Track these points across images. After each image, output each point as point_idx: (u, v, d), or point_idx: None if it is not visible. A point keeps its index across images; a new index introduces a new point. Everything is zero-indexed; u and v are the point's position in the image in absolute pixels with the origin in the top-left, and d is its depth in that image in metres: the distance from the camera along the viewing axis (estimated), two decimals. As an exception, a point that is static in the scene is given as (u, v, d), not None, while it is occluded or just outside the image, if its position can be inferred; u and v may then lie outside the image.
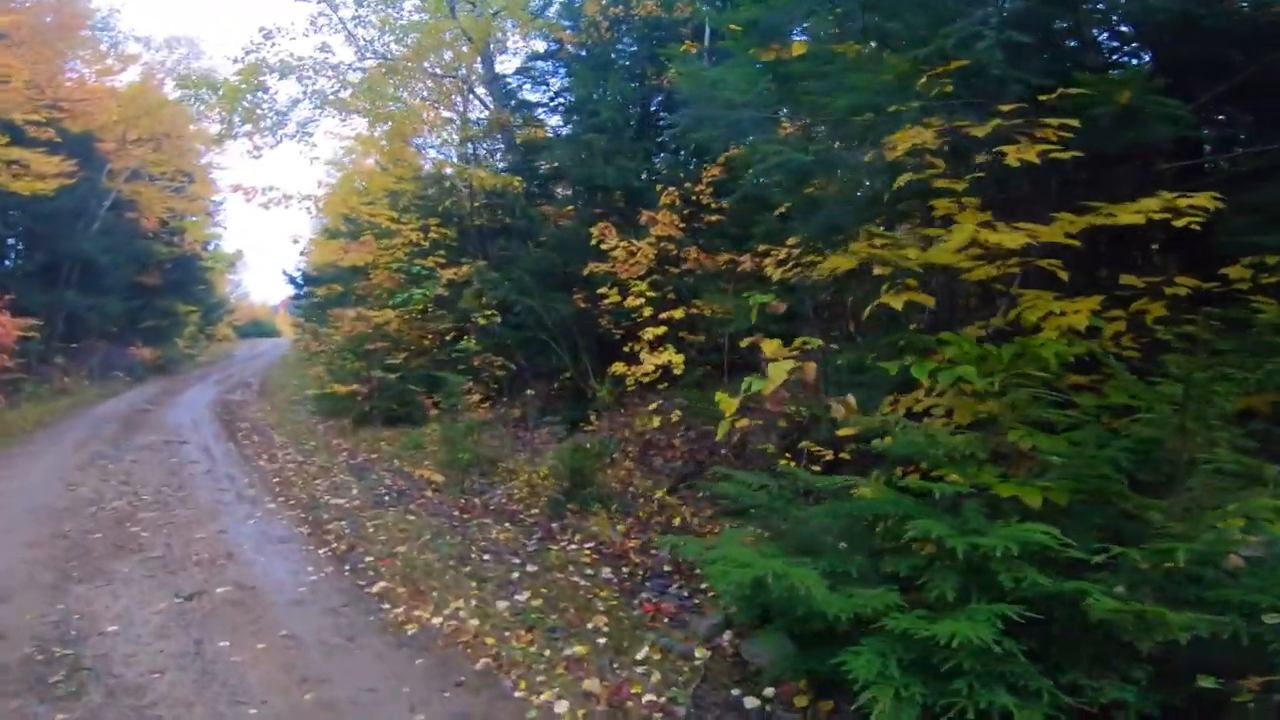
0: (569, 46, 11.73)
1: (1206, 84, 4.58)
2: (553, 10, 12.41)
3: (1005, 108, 4.06)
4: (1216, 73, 4.65)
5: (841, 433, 4.43)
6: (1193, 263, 4.33)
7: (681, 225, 9.19)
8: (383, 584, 5.61)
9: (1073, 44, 5.11)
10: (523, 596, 5.39)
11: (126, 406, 15.87)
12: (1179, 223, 3.91)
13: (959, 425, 3.99)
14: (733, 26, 5.56)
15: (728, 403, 4.38)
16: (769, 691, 3.88)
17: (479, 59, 12.84)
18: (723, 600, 4.66)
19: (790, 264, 7.53)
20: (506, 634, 4.76)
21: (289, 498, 8.38)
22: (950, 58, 4.24)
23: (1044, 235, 4.09)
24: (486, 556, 6.21)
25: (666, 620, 5.04)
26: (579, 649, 4.57)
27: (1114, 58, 5.09)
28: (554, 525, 7.11)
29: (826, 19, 5.40)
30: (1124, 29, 5.14)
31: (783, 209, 7.78)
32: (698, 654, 4.44)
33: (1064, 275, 4.20)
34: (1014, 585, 2.93)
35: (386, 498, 8.14)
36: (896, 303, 4.36)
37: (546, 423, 10.37)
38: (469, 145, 12.23)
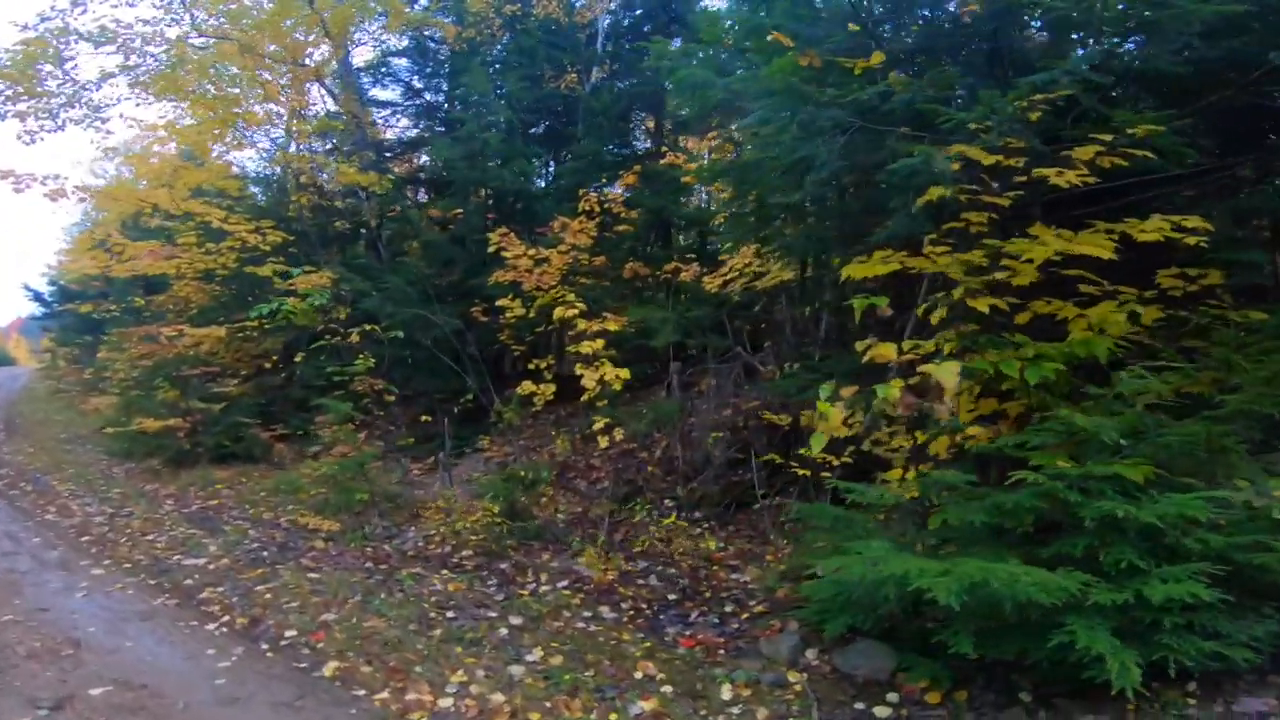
0: (448, 42, 10.47)
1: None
2: (425, 2, 11.02)
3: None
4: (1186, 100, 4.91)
5: (970, 433, 3.93)
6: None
7: (593, 234, 8.39)
8: (334, 664, 4.15)
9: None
10: (534, 655, 4.28)
11: None
12: (1190, 240, 4.01)
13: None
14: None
15: (833, 413, 3.72)
16: (892, 697, 3.62)
17: (328, 48, 11.08)
18: (797, 616, 4.34)
19: (736, 275, 7.12)
20: (549, 704, 3.69)
21: (118, 559, 6.25)
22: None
23: (1086, 247, 4.00)
24: (450, 614, 4.91)
25: (721, 652, 4.31)
26: (648, 705, 3.71)
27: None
28: (504, 567, 5.91)
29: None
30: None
31: (720, 218, 7.37)
32: (792, 678, 3.92)
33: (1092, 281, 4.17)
34: (1200, 547, 3.07)
35: (265, 553, 6.32)
36: (983, 305, 4.02)
37: (432, 451, 8.92)
38: (322, 139, 10.39)
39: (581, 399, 6.91)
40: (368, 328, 8.22)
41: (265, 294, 9.93)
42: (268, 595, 5.26)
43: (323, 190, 10.81)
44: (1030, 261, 3.90)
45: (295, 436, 10.14)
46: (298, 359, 9.86)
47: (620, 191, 8.49)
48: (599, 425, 6.64)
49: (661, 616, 4.94)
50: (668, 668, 4.12)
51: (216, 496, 8.50)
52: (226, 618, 4.89)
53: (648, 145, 11.66)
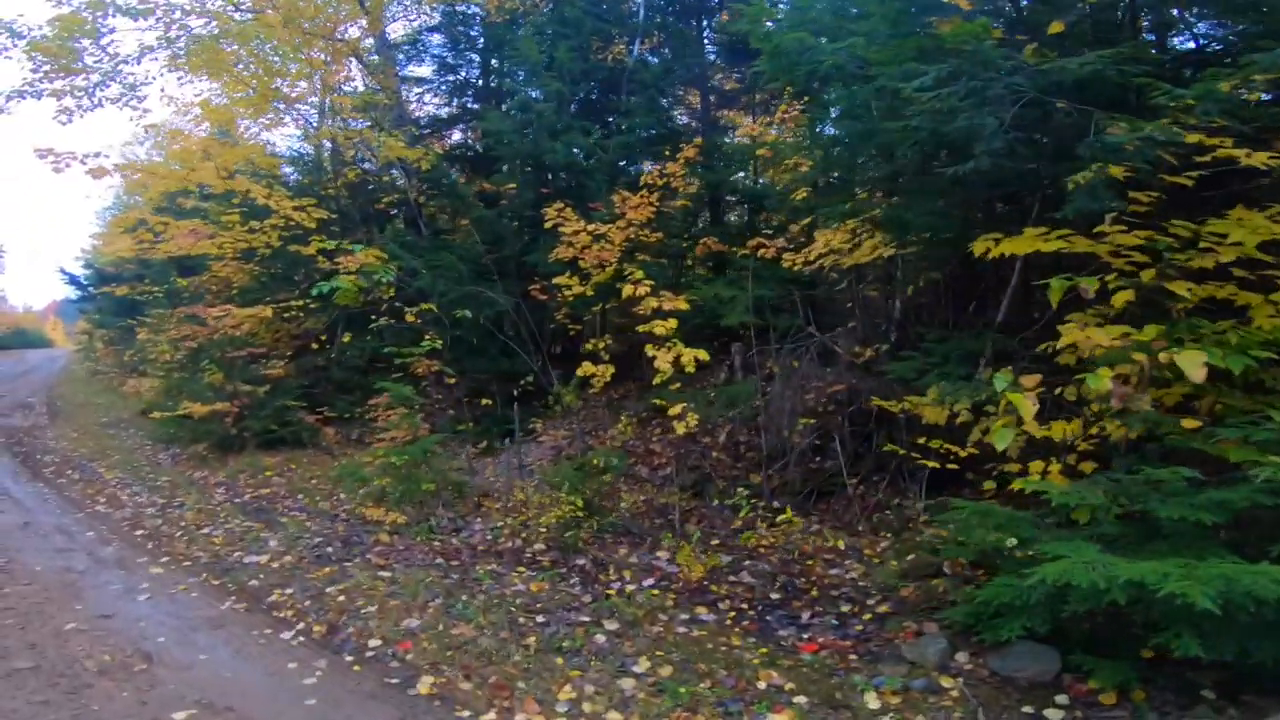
0: (489, 13, 9.88)
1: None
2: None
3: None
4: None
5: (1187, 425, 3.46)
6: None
7: (654, 208, 7.87)
8: (429, 679, 3.75)
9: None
10: (640, 666, 3.86)
11: None
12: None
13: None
14: None
15: (1024, 404, 3.25)
16: (1061, 699, 3.28)
17: (364, 23, 10.52)
18: (939, 618, 3.99)
19: (826, 252, 6.58)
20: (671, 724, 3.24)
21: (176, 556, 5.91)
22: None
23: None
24: (540, 618, 4.50)
25: (852, 657, 3.89)
26: (781, 718, 3.30)
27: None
28: (582, 563, 5.50)
29: None
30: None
31: (804, 193, 6.80)
32: (945, 684, 3.49)
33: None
34: None
35: (329, 549, 5.94)
36: (1181, 289, 3.55)
37: (486, 436, 8.52)
38: (361, 114, 9.85)
39: (654, 381, 6.43)
40: (423, 307, 7.74)
41: (311, 272, 9.51)
42: (340, 598, 4.88)
43: (363, 167, 10.29)
44: (1239, 244, 3.39)
45: (342, 420, 9.79)
46: (346, 339, 9.43)
47: (680, 165, 7.92)
48: (675, 410, 6.16)
49: (769, 618, 4.49)
50: (794, 675, 3.70)
51: (268, 485, 8.15)
52: (301, 625, 4.51)
53: (686, 121, 11.10)
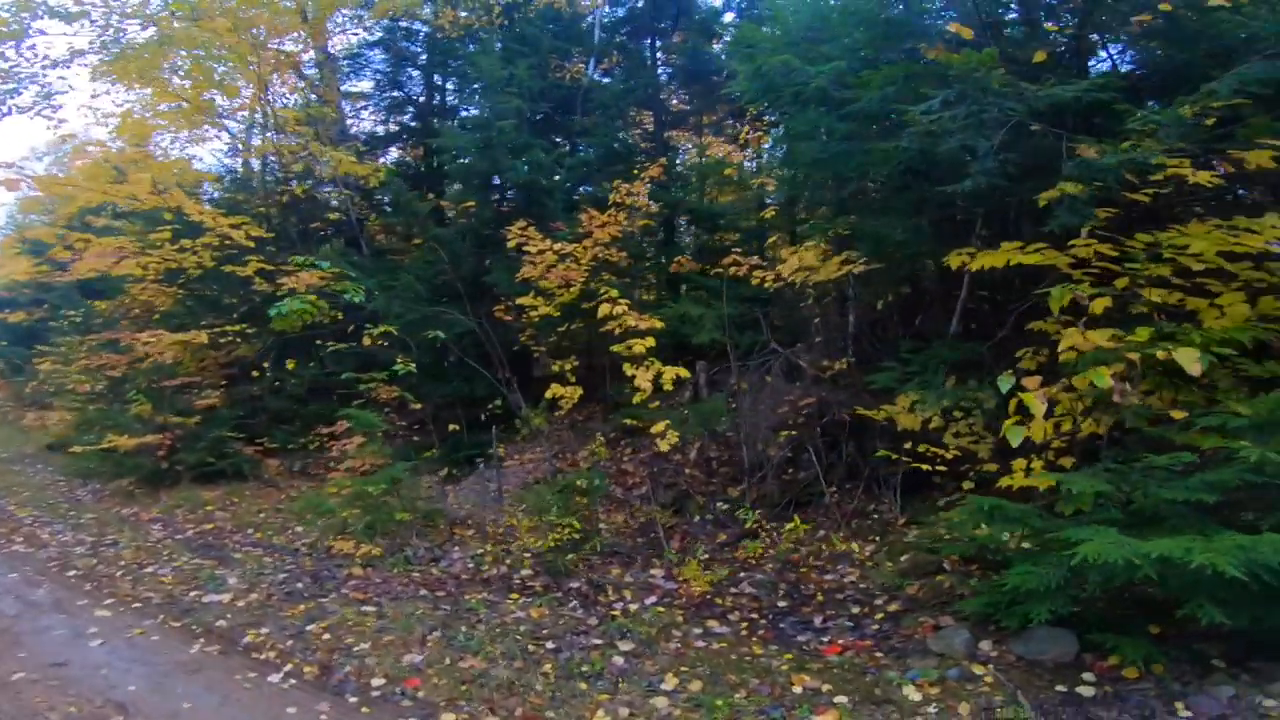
0: (443, 28, 9.62)
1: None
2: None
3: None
4: None
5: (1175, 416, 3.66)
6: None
7: (621, 227, 7.82)
8: (449, 716, 3.51)
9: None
10: (668, 684, 3.72)
11: None
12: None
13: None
14: None
15: (1035, 403, 3.33)
16: (1089, 676, 3.39)
17: (303, 34, 10.08)
18: (955, 610, 4.10)
19: (799, 270, 6.66)
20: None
21: (122, 597, 5.34)
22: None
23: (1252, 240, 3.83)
24: (549, 644, 4.28)
25: (879, 655, 3.92)
26: (827, 719, 3.28)
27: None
28: (576, 586, 5.31)
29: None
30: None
31: (771, 212, 6.90)
32: (978, 670, 3.55)
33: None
34: None
35: (298, 585, 5.50)
36: (1155, 296, 3.76)
37: (450, 463, 8.15)
38: (307, 127, 9.33)
39: (634, 400, 6.32)
40: (382, 328, 7.34)
41: (248, 294, 8.91)
42: (326, 635, 4.52)
43: (306, 184, 9.75)
44: (1199, 255, 3.64)
45: (285, 451, 9.18)
46: (291, 365, 8.86)
47: (643, 184, 7.90)
48: (658, 428, 6.07)
49: (781, 625, 4.47)
50: (827, 677, 3.67)
51: (210, 520, 7.51)
52: (288, 666, 4.13)
53: (635, 142, 11.14)
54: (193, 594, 5.34)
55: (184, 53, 8.24)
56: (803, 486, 6.64)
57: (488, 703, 3.59)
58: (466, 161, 8.35)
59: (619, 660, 4.05)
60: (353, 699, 3.74)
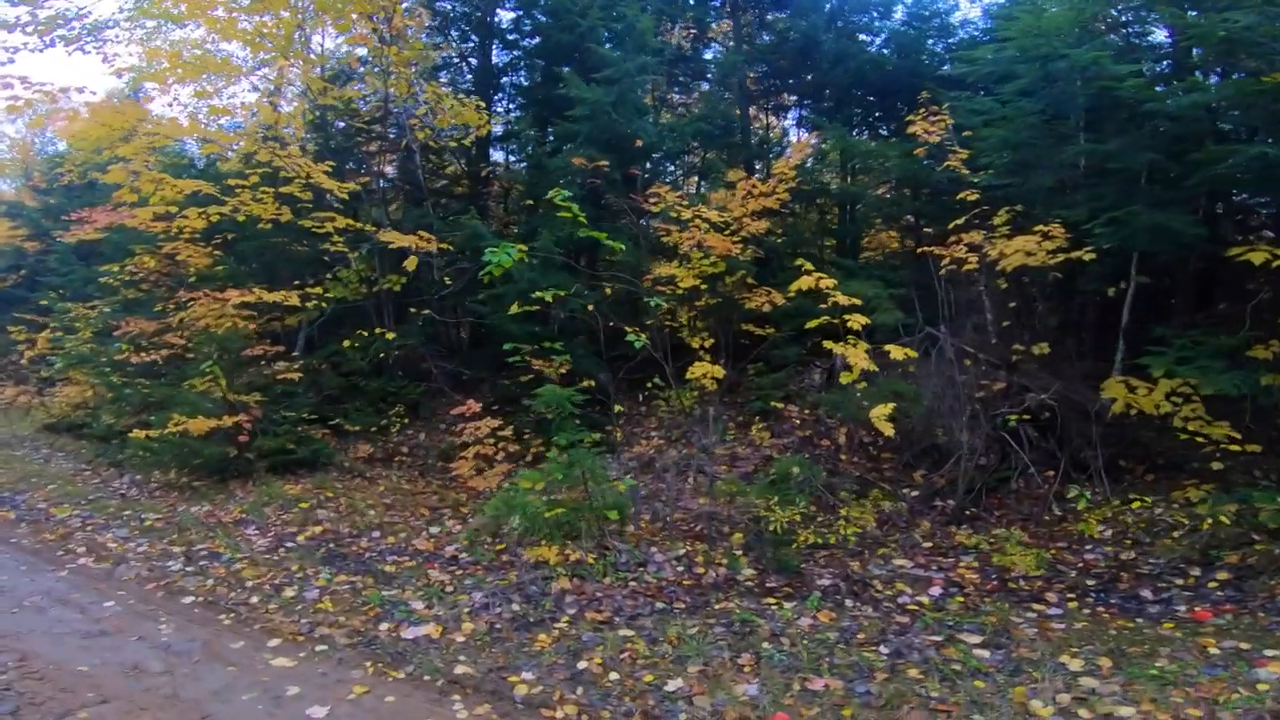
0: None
1: None
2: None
3: None
4: None
5: None
6: None
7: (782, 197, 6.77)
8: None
9: None
10: (1073, 665, 2.97)
11: None
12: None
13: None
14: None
15: None
16: None
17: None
18: None
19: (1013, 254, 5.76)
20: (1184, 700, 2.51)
21: (289, 635, 3.96)
22: None
23: None
24: (882, 649, 3.37)
25: (1261, 614, 3.51)
26: None
27: None
28: (828, 584, 4.34)
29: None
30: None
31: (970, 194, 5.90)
32: None
33: None
34: None
35: (513, 606, 4.22)
36: None
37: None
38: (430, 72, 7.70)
39: (843, 381, 5.32)
40: (538, 295, 5.93)
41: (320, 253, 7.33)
42: (613, 675, 3.34)
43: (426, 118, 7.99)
44: None
45: (366, 435, 7.68)
46: (390, 336, 7.39)
47: (791, 165, 6.82)
48: (884, 411, 5.02)
49: (1112, 600, 3.97)
50: (1235, 636, 3.28)
51: (314, 521, 6.02)
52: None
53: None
54: (383, 627, 4.02)
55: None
56: (992, 471, 5.89)
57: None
58: (591, 118, 6.95)
59: (983, 653, 3.22)
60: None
